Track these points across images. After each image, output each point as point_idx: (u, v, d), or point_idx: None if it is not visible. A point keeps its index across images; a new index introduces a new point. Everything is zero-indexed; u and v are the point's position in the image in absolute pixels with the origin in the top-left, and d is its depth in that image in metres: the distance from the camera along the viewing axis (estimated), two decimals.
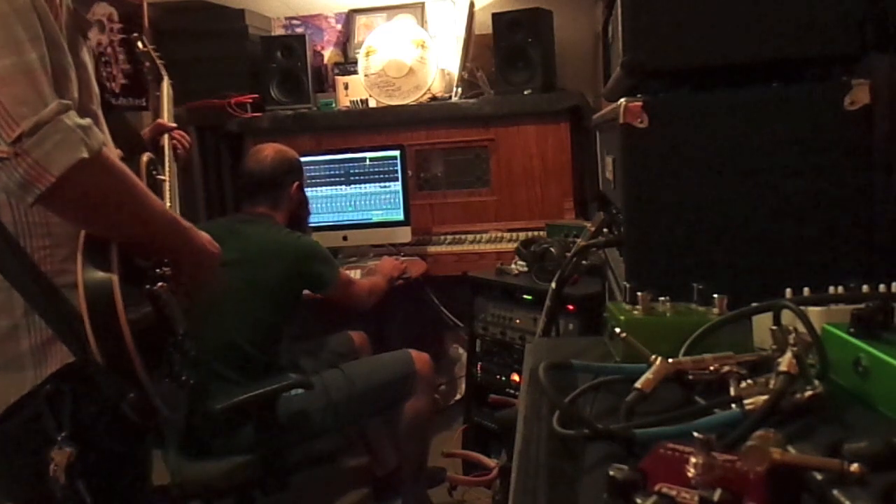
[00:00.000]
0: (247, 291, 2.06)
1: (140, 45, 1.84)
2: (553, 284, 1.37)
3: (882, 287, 0.73)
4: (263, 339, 2.12)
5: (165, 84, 1.75)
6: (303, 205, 2.41)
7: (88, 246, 1.04)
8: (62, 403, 1.05)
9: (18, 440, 1.07)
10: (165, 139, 1.54)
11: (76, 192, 0.96)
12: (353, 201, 2.97)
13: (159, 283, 1.10)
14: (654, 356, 0.69)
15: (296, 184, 2.33)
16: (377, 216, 2.95)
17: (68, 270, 1.05)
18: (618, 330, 0.78)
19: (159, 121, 1.59)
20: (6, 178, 0.91)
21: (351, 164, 2.95)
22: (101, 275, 1.03)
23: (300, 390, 2.02)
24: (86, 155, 0.94)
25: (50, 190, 0.92)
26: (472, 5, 3.04)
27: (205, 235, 1.22)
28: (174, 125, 1.57)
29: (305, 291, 2.28)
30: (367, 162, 2.94)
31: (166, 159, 1.53)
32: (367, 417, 2.32)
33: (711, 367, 0.68)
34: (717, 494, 0.44)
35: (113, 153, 1.06)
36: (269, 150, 2.34)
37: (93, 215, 1.03)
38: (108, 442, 1.11)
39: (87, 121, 0.97)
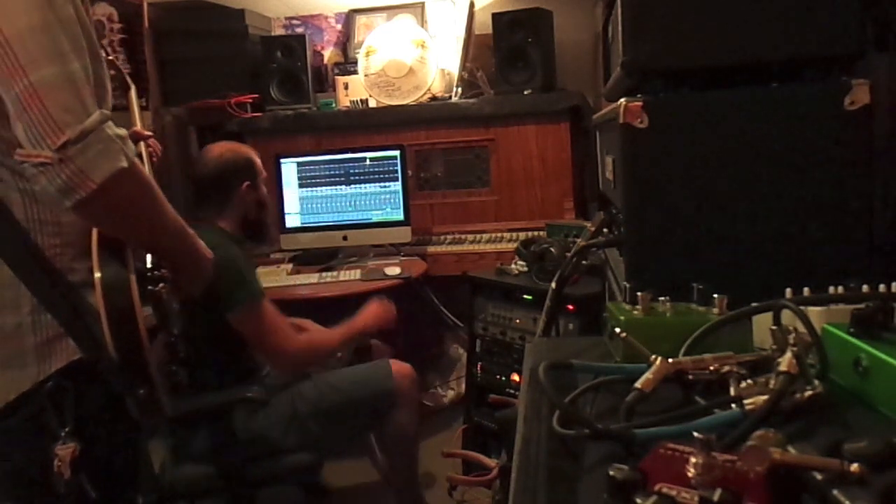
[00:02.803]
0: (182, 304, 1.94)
1: (103, 53, 1.82)
2: (553, 284, 1.37)
3: (882, 287, 0.73)
4: (210, 349, 1.96)
5: (133, 93, 1.74)
6: (259, 205, 2.18)
7: (103, 244, 1.07)
8: (64, 400, 1.06)
9: (20, 437, 1.09)
10: (142, 147, 1.55)
11: (112, 200, 0.99)
12: (353, 201, 2.97)
13: (160, 285, 1.13)
14: (654, 356, 0.69)
15: (245, 184, 2.12)
16: (377, 216, 2.95)
17: (77, 269, 1.08)
18: (618, 330, 0.78)
19: (136, 129, 1.59)
20: (46, 183, 0.94)
21: (351, 164, 2.95)
22: (118, 273, 1.05)
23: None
24: (125, 164, 0.98)
25: (90, 196, 0.95)
26: (472, 5, 3.04)
27: (201, 242, 1.25)
28: (150, 133, 1.58)
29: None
30: (367, 162, 2.94)
31: (146, 167, 1.53)
32: (343, 435, 2.10)
33: (711, 367, 0.68)
34: (717, 494, 0.44)
35: None
36: (216, 150, 2.16)
37: (122, 221, 1.06)
38: (109, 437, 1.13)
39: (122, 131, 1.00)
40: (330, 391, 2.04)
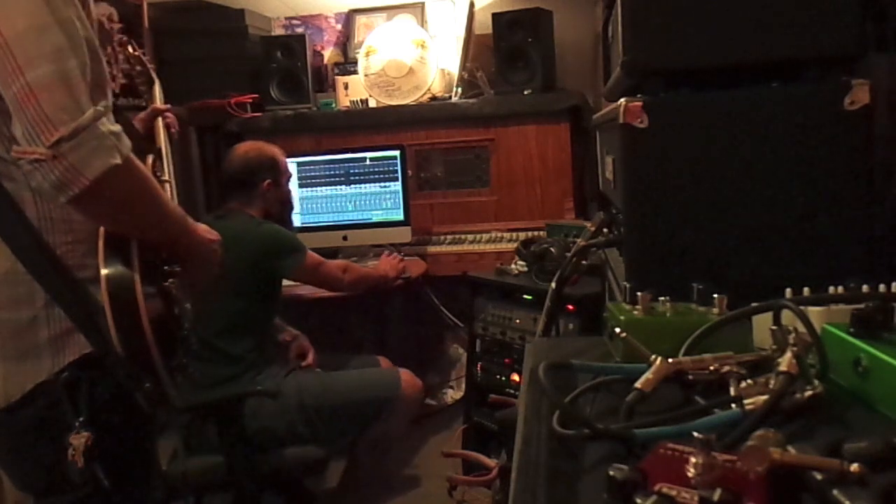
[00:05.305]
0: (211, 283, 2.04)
1: (130, 48, 1.84)
2: (553, 284, 1.37)
3: (882, 287, 0.73)
4: (230, 330, 2.09)
5: (157, 88, 1.76)
6: (281, 203, 2.36)
7: (108, 242, 1.09)
8: (79, 390, 1.09)
9: (36, 428, 1.11)
10: (160, 122, 1.57)
11: (106, 195, 1.01)
12: (353, 201, 2.97)
13: (169, 280, 1.16)
14: (654, 356, 0.69)
15: (266, 182, 2.28)
16: (377, 216, 2.95)
17: (88, 265, 1.10)
18: (618, 330, 0.78)
19: (154, 105, 1.62)
20: (41, 179, 0.96)
21: (351, 164, 2.95)
22: (122, 270, 1.08)
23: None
24: (118, 161, 1.00)
25: (83, 192, 0.97)
26: (472, 5, 3.04)
27: (203, 228, 1.27)
28: (167, 107, 1.61)
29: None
30: (367, 162, 2.94)
31: (163, 143, 1.55)
32: (341, 433, 2.19)
33: (711, 367, 0.68)
34: (717, 494, 0.44)
35: None
36: (243, 149, 2.32)
37: (118, 216, 1.08)
38: (121, 428, 1.15)
39: (117, 127, 1.02)
40: (335, 388, 2.15)
